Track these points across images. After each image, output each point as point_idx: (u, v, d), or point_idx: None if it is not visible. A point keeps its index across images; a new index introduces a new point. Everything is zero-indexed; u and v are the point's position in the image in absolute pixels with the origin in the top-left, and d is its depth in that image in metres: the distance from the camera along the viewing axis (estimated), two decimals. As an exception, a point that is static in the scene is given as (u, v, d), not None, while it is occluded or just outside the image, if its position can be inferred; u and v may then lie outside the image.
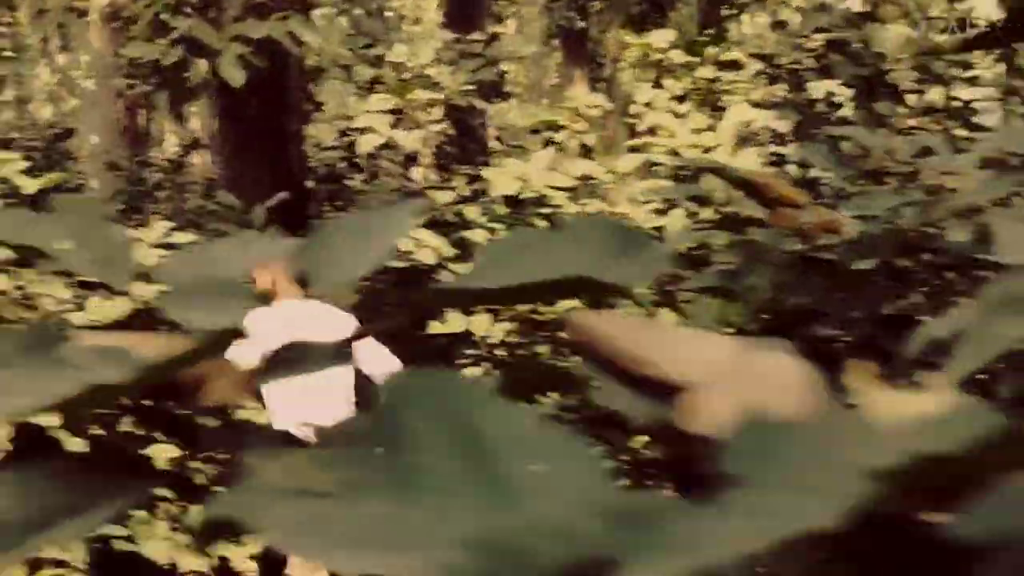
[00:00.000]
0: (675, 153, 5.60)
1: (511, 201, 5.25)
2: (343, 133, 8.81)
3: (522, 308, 6.01)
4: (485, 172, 5.32)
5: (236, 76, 7.15)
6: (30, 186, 4.34)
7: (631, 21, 20.87)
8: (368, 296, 7.53)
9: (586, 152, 6.23)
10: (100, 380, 0.77)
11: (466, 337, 6.16)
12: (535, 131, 7.32)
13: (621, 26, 20.01)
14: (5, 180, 4.29)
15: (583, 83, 18.05)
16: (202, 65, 7.38)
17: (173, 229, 4.87)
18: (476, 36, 6.77)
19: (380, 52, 6.36)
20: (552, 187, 5.19)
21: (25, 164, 4.49)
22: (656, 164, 5.43)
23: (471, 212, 6.61)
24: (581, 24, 18.54)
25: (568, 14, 18.52)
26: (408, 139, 5.73)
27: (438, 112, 5.98)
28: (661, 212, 5.26)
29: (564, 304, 6.18)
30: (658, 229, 5.22)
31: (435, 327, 6.06)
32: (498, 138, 6.99)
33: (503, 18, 21.20)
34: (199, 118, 20.21)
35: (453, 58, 6.13)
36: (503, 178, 5.16)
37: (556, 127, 6.27)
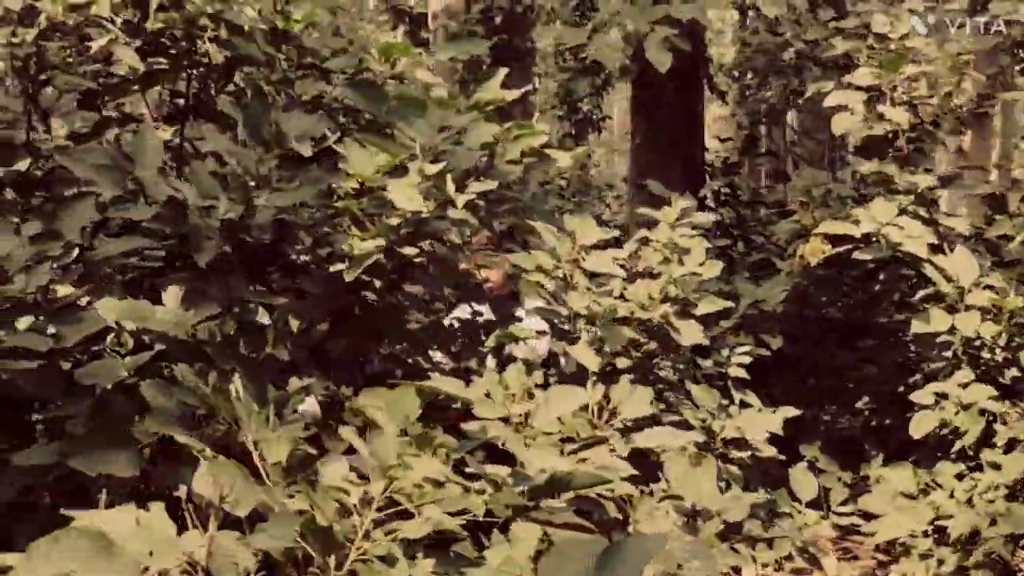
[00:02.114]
0: None
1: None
2: (755, 121, 8.40)
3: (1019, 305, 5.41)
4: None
5: (664, 60, 6.82)
6: (563, 159, 4.15)
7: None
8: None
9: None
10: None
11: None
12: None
13: None
14: (539, 152, 4.10)
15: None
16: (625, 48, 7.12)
17: (689, 209, 4.57)
18: (954, 5, 6.21)
19: (850, 24, 5.89)
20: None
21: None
22: None
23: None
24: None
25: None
26: (899, 116, 5.22)
27: (924, 89, 5.46)
28: None
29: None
30: None
31: (916, 325, 5.54)
32: (957, 116, 6.33)
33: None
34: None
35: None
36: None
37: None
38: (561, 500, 2.92)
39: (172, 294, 3.92)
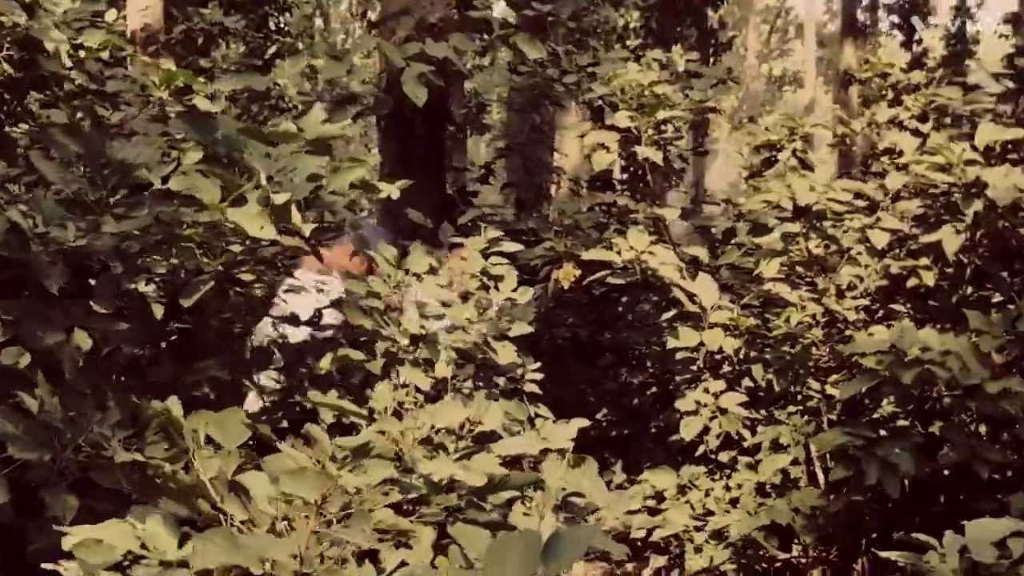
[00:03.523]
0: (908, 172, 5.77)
1: (800, 211, 5.35)
2: (500, 154, 8.86)
3: (752, 323, 6.13)
4: (773, 185, 5.40)
5: (420, 94, 7.17)
6: (391, 191, 4.36)
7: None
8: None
9: (805, 170, 6.36)
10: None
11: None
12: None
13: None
14: (366, 184, 4.30)
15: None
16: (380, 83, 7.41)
17: (498, 239, 4.91)
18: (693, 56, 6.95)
19: (604, 70, 6.45)
20: (834, 200, 5.32)
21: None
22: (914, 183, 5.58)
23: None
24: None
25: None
26: (653, 154, 5.81)
27: (671, 131, 6.09)
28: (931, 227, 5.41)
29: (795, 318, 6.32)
30: (932, 246, 5.36)
31: (671, 342, 6.13)
32: (680, 155, 7.06)
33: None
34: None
35: (670, 78, 6.27)
36: (802, 188, 5.25)
37: (775, 146, 6.40)
38: (441, 505, 3.17)
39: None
